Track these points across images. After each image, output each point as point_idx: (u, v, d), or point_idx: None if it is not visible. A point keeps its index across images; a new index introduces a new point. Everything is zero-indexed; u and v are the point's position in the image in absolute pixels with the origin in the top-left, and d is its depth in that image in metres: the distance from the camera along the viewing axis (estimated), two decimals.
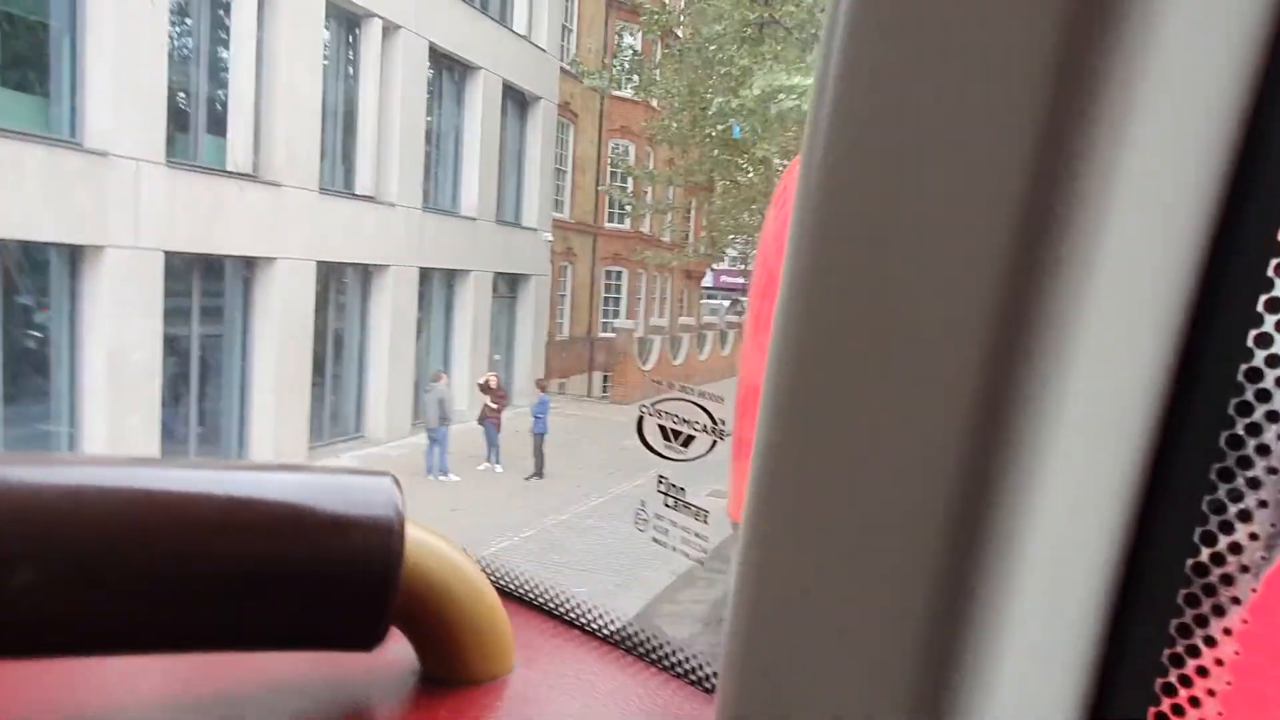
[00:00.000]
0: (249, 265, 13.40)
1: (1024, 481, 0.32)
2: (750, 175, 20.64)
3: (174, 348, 12.43)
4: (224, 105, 12.88)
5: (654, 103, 22.43)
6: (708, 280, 39.96)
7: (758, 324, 4.03)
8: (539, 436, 14.15)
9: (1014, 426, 0.32)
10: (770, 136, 15.84)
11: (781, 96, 13.65)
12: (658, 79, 18.77)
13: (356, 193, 15.37)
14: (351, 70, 15.40)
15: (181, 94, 12.34)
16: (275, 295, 13.48)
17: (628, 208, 26.22)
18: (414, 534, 0.53)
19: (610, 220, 27.91)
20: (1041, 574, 0.34)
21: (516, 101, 20.45)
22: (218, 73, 12.83)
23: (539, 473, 14.05)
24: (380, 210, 15.66)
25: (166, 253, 11.55)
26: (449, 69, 17.81)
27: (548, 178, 22.03)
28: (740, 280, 43.84)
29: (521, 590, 0.80)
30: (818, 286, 0.36)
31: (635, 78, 19.80)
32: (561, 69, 22.64)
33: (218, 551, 0.49)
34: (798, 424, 0.38)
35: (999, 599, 0.33)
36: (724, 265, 40.31)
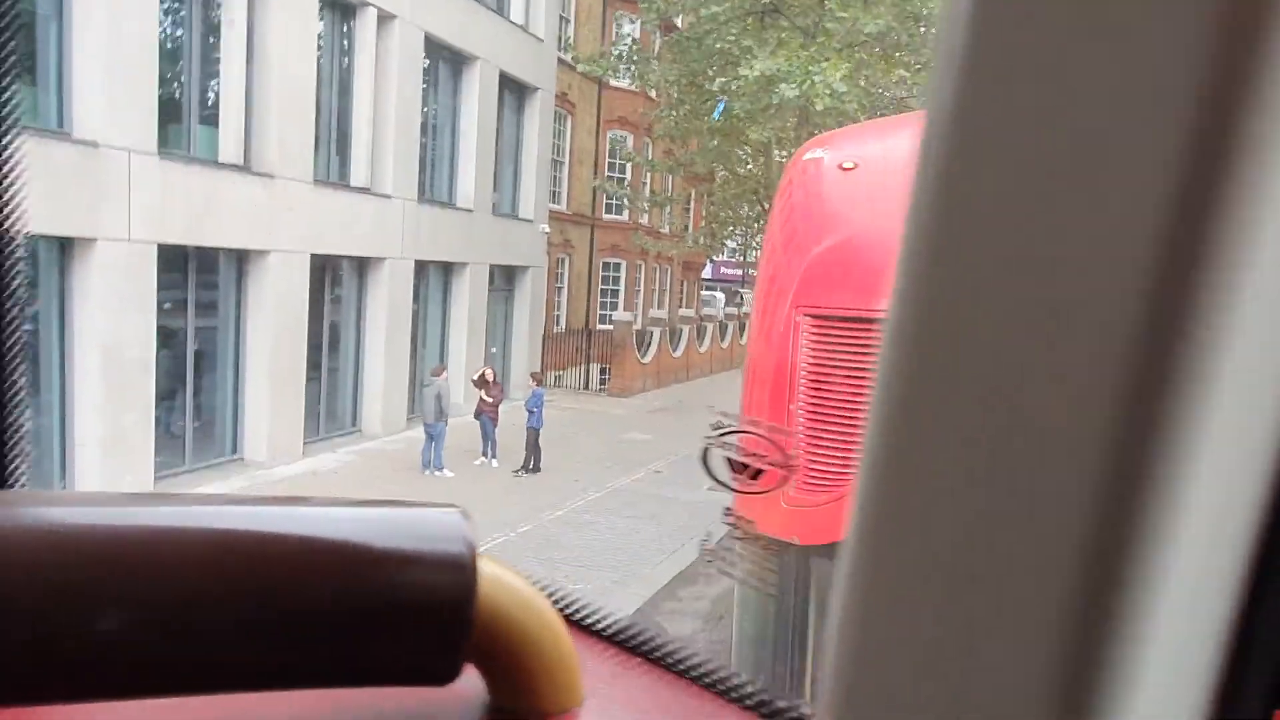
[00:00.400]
0: (242, 258, 13.25)
1: (1174, 480, 0.32)
2: (750, 166, 20.51)
3: (168, 341, 12.29)
4: (216, 95, 12.71)
5: (652, 93, 22.26)
6: (707, 272, 39.82)
7: (764, 316, 3.61)
8: (533, 431, 14.02)
9: (1165, 422, 0.31)
10: (765, 121, 15.68)
11: (783, 86, 13.47)
12: (655, 70, 18.58)
13: (351, 184, 15.20)
14: (346, 60, 15.22)
15: (173, 84, 12.17)
16: (269, 288, 13.33)
17: (625, 201, 26.06)
18: (485, 567, 0.52)
19: (608, 211, 27.74)
20: (1183, 584, 0.33)
21: (513, 92, 20.25)
22: (210, 62, 12.65)
23: (533, 467, 13.93)
24: (375, 202, 15.50)
25: (160, 245, 11.40)
26: (445, 59, 17.62)
27: (545, 169, 21.85)
28: (739, 272, 43.73)
29: (588, 619, 0.80)
30: (941, 278, 0.35)
31: (633, 66, 19.59)
32: (559, 59, 22.44)
33: (295, 590, 0.49)
34: (920, 421, 0.36)
35: (1144, 608, 0.33)
36: (723, 257, 40.19)
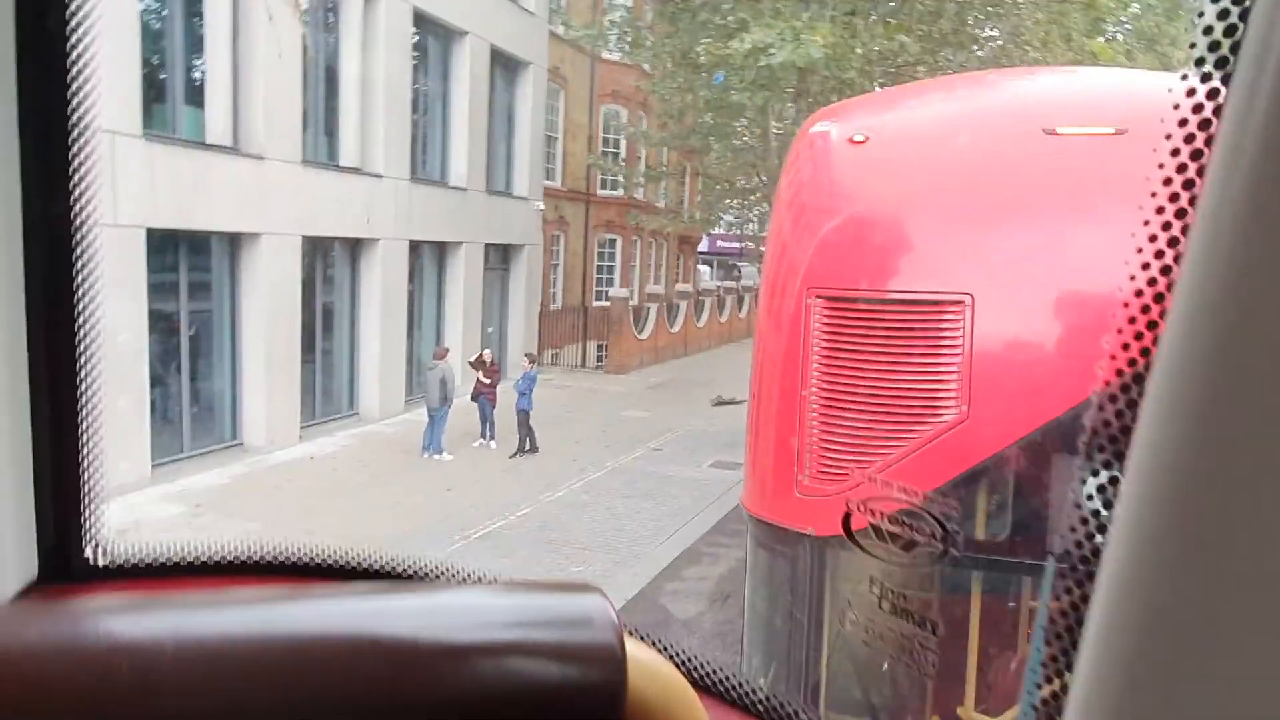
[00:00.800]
0: (234, 241, 13.06)
1: None
2: (745, 139, 20.22)
3: (162, 326, 12.14)
4: (202, 75, 12.46)
5: (645, 66, 21.93)
6: (703, 246, 39.57)
7: (773, 296, 3.40)
8: (523, 413, 13.88)
9: None
10: (755, 90, 15.42)
11: (773, 50, 13.19)
12: (649, 42, 18.26)
13: (341, 164, 14.98)
14: (333, 37, 14.93)
15: (157, 63, 11.92)
16: (262, 271, 13.16)
17: (621, 178, 25.77)
18: (631, 653, 0.48)
19: (603, 187, 27.47)
20: None
21: (505, 67, 19.95)
22: (194, 41, 12.39)
23: (529, 448, 13.82)
24: (367, 182, 15.28)
25: (149, 230, 11.21)
26: (435, 34, 17.31)
27: (538, 145, 21.58)
28: (736, 245, 43.48)
29: (716, 681, 0.78)
30: (1246, 269, 0.35)
31: (626, 35, 19.24)
32: (551, 33, 22.09)
33: (439, 691, 0.46)
34: (1210, 414, 0.36)
35: None
36: (719, 231, 39.92)
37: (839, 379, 3.29)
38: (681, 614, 8.19)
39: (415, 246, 16.99)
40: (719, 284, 33.79)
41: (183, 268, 12.52)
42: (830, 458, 3.30)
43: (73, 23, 0.75)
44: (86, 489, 0.87)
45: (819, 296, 3.35)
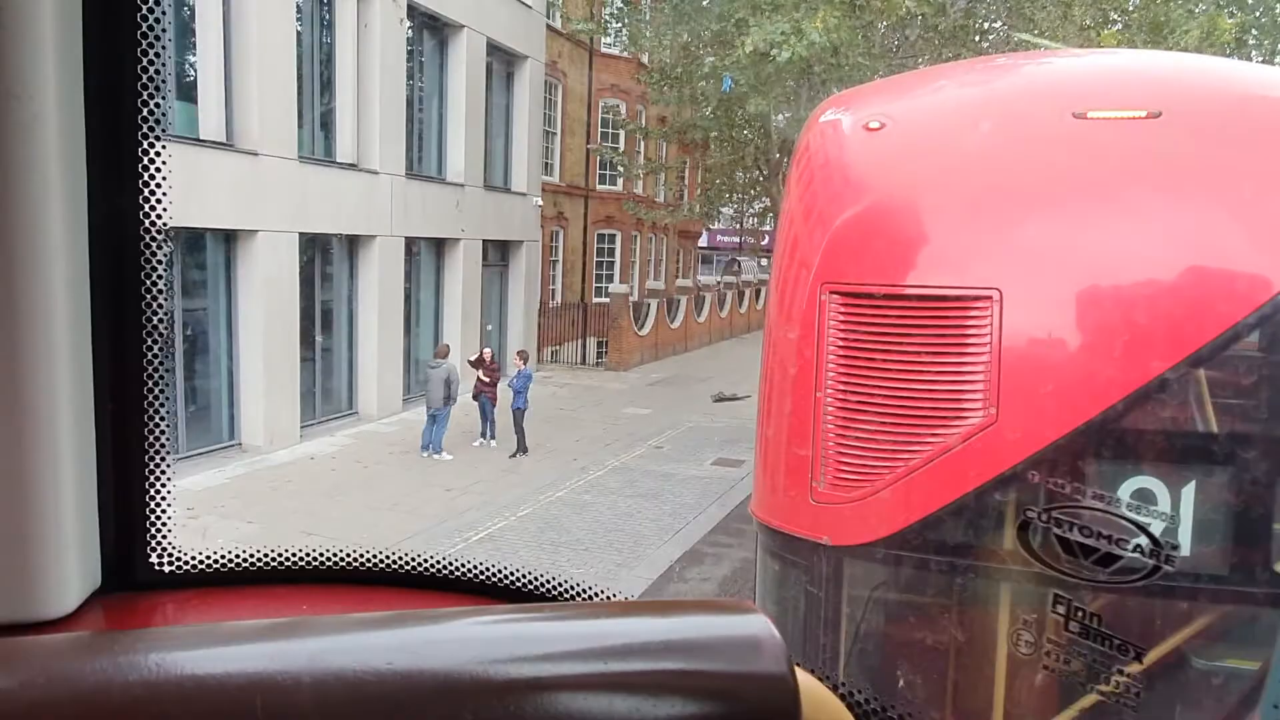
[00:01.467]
0: (230, 238, 12.91)
1: None
2: (745, 132, 20.05)
3: None
4: (194, 70, 12.29)
5: (644, 58, 21.74)
6: (703, 241, 39.40)
7: (785, 293, 3.17)
8: (518, 412, 13.70)
9: None
10: (765, 90, 15.25)
11: (775, 52, 13.08)
12: (647, 34, 18.07)
13: (338, 160, 14.80)
14: (327, 33, 14.75)
15: None
16: (258, 269, 13.01)
17: (620, 169, 25.57)
18: (800, 683, 0.45)
19: (602, 182, 27.29)
20: None
21: (502, 61, 19.76)
22: (185, 35, 12.22)
23: (521, 449, 13.64)
24: (363, 178, 15.12)
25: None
26: (430, 28, 17.13)
27: (536, 140, 21.39)
28: (736, 240, 43.30)
29: (871, 710, 0.72)
30: None
31: (623, 27, 19.04)
32: (548, 26, 21.90)
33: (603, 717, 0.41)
34: None
35: None
36: (719, 225, 39.75)
37: (857, 379, 3.10)
38: None
39: (412, 243, 16.82)
40: (719, 279, 33.61)
41: (177, 265, 12.36)
42: (847, 464, 3.12)
43: (144, 26, 0.75)
44: (152, 493, 0.85)
45: (834, 292, 3.15)
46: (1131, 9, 17.63)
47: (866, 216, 3.29)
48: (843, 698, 0.60)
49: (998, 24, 17.34)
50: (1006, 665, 3.14)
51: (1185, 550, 2.79)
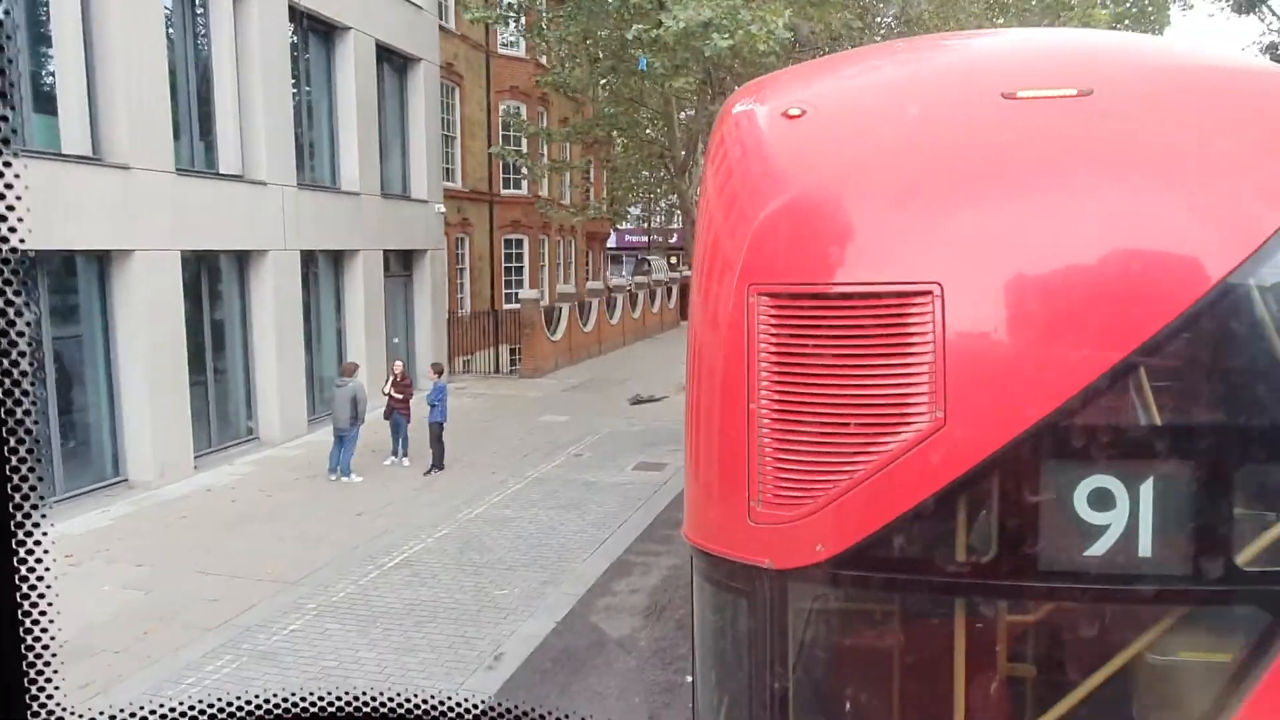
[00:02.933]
0: (103, 260, 11.95)
1: None
2: (648, 130, 19.85)
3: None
4: (52, 79, 11.31)
5: (544, 59, 21.31)
6: (611, 242, 39.16)
7: (708, 297, 3.06)
8: (436, 425, 13.14)
9: None
10: (685, 74, 14.96)
11: (714, 36, 12.63)
12: (545, 29, 17.64)
13: (221, 172, 13.92)
14: (203, 38, 13.86)
15: None
16: (138, 291, 12.08)
17: (524, 170, 25.05)
18: None
19: (506, 186, 26.73)
20: None
21: (394, 64, 19.04)
22: (38, 42, 11.24)
23: (438, 464, 13.08)
24: (250, 190, 14.27)
25: None
26: (314, 30, 16.32)
27: (435, 145, 20.71)
28: (644, 239, 43.22)
29: None
30: None
31: (522, 18, 18.52)
32: (442, 28, 21.25)
33: None
34: None
35: None
36: (626, 225, 39.57)
37: (792, 387, 2.82)
38: (616, 633, 7.71)
39: (309, 256, 16.00)
40: (630, 279, 33.41)
41: (43, 291, 11.36)
42: (786, 479, 2.82)
43: None
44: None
45: (762, 294, 2.86)
46: None
47: (792, 210, 2.99)
48: None
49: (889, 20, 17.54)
50: (966, 684, 2.92)
51: (1147, 551, 2.63)
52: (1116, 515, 2.62)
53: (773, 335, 2.85)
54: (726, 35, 12.32)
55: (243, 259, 14.58)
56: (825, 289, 2.85)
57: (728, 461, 2.97)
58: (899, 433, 2.70)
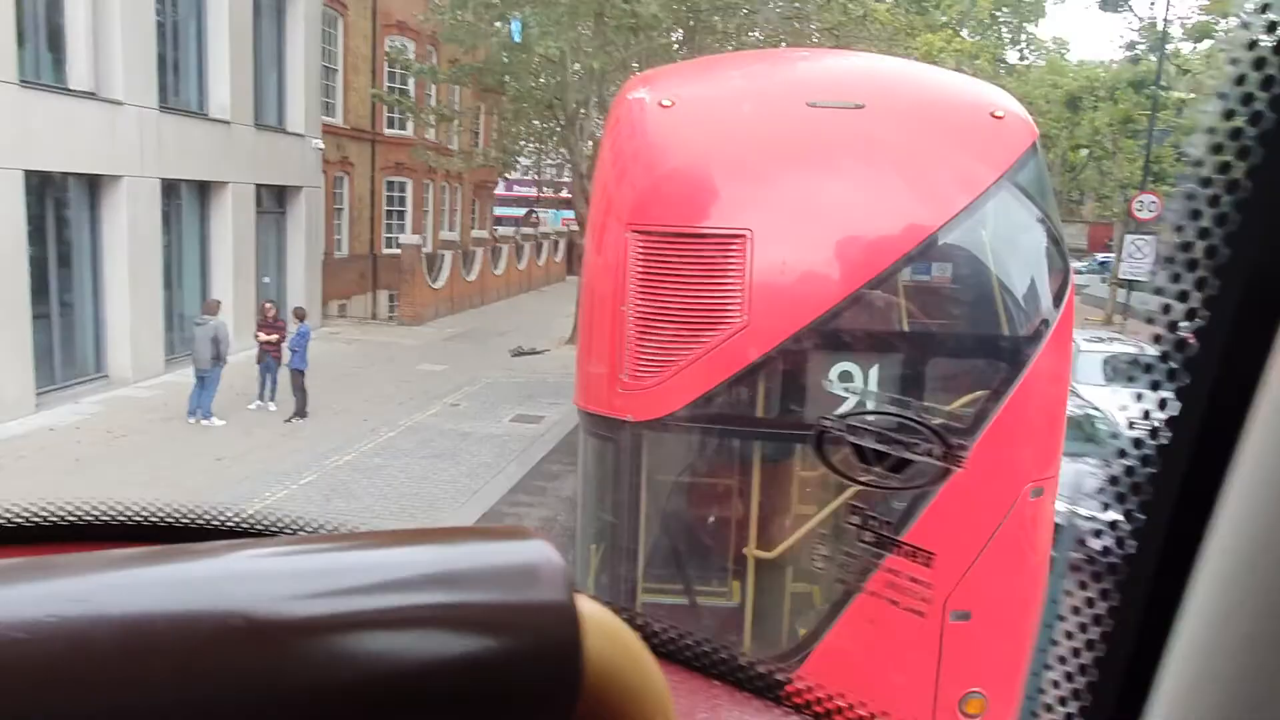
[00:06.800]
0: None
1: None
2: (540, 79, 19.44)
3: None
4: None
5: None
6: (500, 190, 38.36)
7: (599, 234, 4.48)
8: (297, 373, 12.63)
9: None
10: (559, 33, 14.73)
11: None
12: None
13: (71, 87, 12.83)
14: None
15: None
16: None
17: (408, 116, 24.15)
18: (585, 612, 0.42)
19: (390, 126, 25.70)
20: None
21: None
22: None
23: (301, 412, 12.61)
24: (104, 109, 13.21)
25: None
26: None
27: (314, 77, 19.68)
28: (533, 191, 42.53)
29: (671, 646, 0.76)
30: None
31: None
32: None
33: (342, 670, 0.35)
34: None
35: None
36: (515, 175, 38.81)
37: (650, 297, 4.09)
38: None
39: (171, 186, 15.00)
40: (517, 230, 32.90)
41: None
42: (644, 359, 4.11)
43: None
44: None
45: (635, 232, 4.14)
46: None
47: (659, 176, 4.36)
48: (638, 629, 0.55)
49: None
50: (759, 499, 4.40)
51: (871, 409, 4.09)
52: (854, 386, 4.08)
53: (640, 261, 4.10)
54: None
55: (94, 184, 13.55)
56: (677, 230, 4.13)
57: (604, 348, 4.24)
58: (719, 329, 4.03)
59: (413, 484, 10.14)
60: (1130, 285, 20.23)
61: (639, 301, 4.06)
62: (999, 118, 4.32)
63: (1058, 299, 4.21)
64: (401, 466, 10.72)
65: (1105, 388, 13.07)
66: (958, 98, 4.72)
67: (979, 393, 4.11)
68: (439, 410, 13.57)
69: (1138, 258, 18.65)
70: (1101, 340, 14.41)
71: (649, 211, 4.18)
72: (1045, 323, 4.17)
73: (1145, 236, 18.73)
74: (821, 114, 4.27)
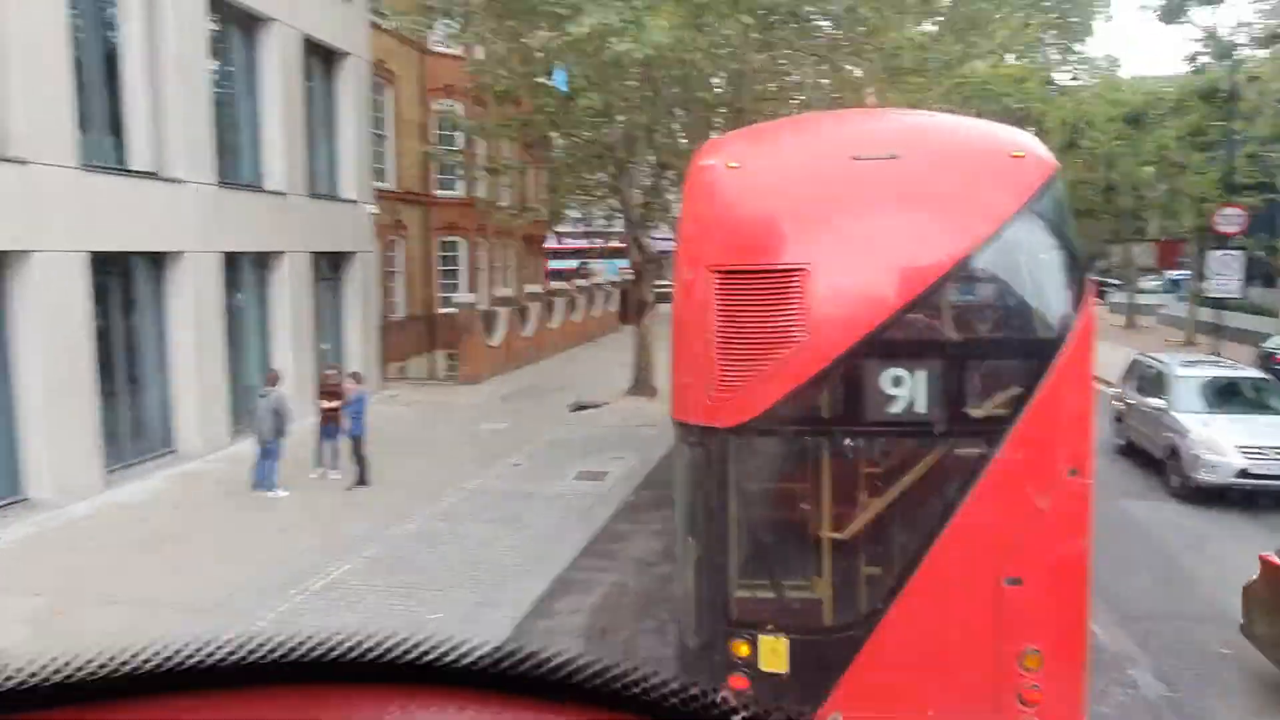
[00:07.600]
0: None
1: None
2: (585, 132, 19.42)
3: None
4: None
5: (479, 53, 20.72)
6: (550, 243, 38.57)
7: (684, 278, 5.52)
8: (356, 440, 12.48)
9: None
10: (603, 84, 14.63)
11: (613, 40, 12.51)
12: (476, 22, 17.10)
13: (132, 168, 13.09)
14: (111, 25, 13.01)
15: None
16: (37, 295, 11.21)
17: (459, 172, 24.37)
18: None
19: (442, 188, 26.01)
20: None
21: (321, 59, 18.29)
22: None
23: (362, 480, 12.36)
24: (165, 188, 13.44)
25: None
26: (235, 20, 15.52)
27: (365, 144, 19.97)
28: (584, 243, 42.71)
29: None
30: None
31: (453, 24, 18.00)
32: (374, 24, 20.51)
33: None
34: None
35: None
36: (564, 228, 39.00)
37: (730, 322, 4.91)
38: None
39: (231, 258, 15.18)
40: (569, 282, 32.89)
41: None
42: (727, 377, 4.92)
43: None
44: None
45: (716, 271, 5.00)
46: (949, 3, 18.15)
47: (733, 224, 5.25)
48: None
49: (826, 24, 17.40)
50: (831, 489, 5.23)
51: (921, 410, 4.91)
52: (904, 390, 4.87)
53: (720, 295, 4.95)
54: (626, 39, 12.24)
55: (158, 261, 13.75)
56: (750, 267, 4.99)
57: (695, 369, 5.08)
58: (786, 347, 4.85)
59: (478, 551, 9.78)
60: (1218, 303, 19.13)
61: (721, 327, 4.90)
62: (1019, 157, 5.13)
63: (1077, 307, 4.94)
64: (466, 533, 10.40)
65: (1204, 414, 12.03)
66: (980, 142, 5.58)
67: (1013, 389, 4.89)
68: (501, 471, 13.28)
69: (1225, 274, 17.62)
70: (1198, 364, 13.37)
71: (727, 254, 5.08)
72: (1067, 327, 4.89)
73: (1233, 252, 17.70)
74: (863, 166, 5.13)
